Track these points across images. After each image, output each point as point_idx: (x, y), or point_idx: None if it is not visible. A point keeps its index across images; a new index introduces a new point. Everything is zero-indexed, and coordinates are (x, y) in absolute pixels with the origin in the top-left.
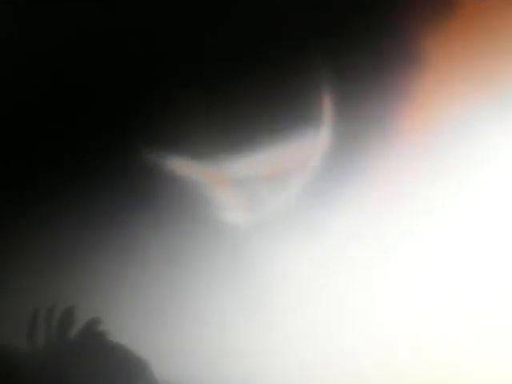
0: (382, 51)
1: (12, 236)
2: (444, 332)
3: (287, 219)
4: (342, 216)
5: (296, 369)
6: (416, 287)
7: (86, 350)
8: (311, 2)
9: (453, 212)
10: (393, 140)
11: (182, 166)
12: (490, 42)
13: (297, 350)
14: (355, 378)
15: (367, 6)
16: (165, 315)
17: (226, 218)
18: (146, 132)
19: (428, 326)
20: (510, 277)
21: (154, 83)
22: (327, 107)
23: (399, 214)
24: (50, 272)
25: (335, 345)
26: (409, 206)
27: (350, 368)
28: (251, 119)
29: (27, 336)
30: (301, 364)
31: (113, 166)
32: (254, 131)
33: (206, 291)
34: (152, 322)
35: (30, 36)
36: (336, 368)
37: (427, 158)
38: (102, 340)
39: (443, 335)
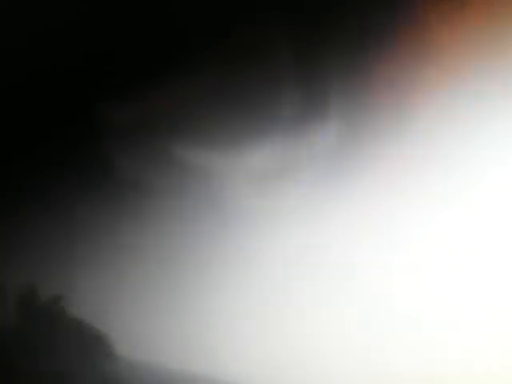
0: (390, 41)
1: None
2: (447, 325)
3: (297, 208)
4: (349, 204)
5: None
6: (423, 275)
7: (48, 327)
8: None
9: (460, 201)
10: (400, 129)
11: (195, 156)
12: (497, 31)
13: (299, 336)
14: (361, 367)
15: None
16: (131, 291)
17: (236, 206)
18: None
19: (432, 316)
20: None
21: (167, 75)
22: (334, 99)
23: (406, 202)
24: (13, 250)
25: (343, 332)
26: (415, 195)
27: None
28: (262, 108)
29: None
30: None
31: (114, 157)
32: (264, 120)
33: (209, 277)
34: (113, 297)
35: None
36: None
37: (435, 148)
38: (63, 317)
39: (447, 328)
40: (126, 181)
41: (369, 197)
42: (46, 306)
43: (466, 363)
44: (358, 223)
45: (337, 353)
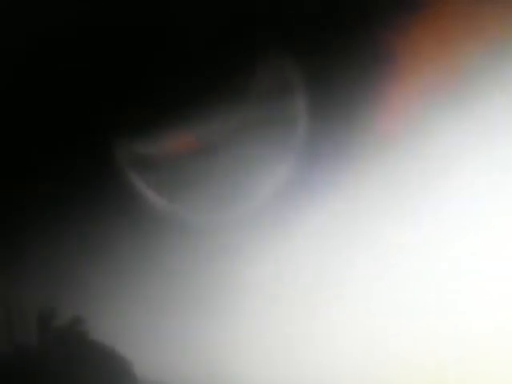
0: (354, 51)
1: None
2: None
3: (261, 220)
4: (312, 216)
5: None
6: (424, 278)
7: (68, 350)
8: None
9: (438, 211)
10: (365, 138)
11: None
12: (456, 42)
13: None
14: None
15: (342, 10)
16: (147, 314)
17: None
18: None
19: (414, 323)
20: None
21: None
22: (302, 106)
23: (369, 213)
24: (33, 275)
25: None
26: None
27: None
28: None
29: (4, 337)
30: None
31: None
32: (227, 128)
33: (188, 296)
34: (135, 321)
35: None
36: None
37: (399, 154)
38: (84, 339)
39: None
40: (148, 208)
41: (336, 206)
42: (65, 328)
43: (467, 365)
44: (322, 233)
45: (340, 357)
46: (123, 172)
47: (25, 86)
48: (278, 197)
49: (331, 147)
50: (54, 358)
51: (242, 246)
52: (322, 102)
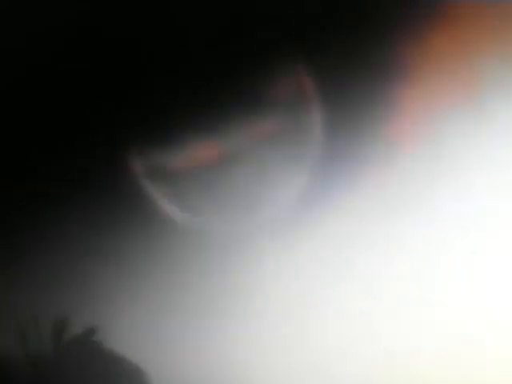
0: (370, 61)
1: (8, 246)
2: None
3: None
4: (333, 219)
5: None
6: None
7: (81, 359)
8: (302, 14)
9: (445, 214)
10: (380, 146)
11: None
12: (465, 42)
13: (287, 351)
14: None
15: (355, 17)
16: (147, 315)
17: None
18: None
19: (423, 327)
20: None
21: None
22: (317, 116)
23: (388, 216)
24: (47, 283)
25: (329, 347)
26: (396, 207)
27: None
28: (243, 126)
29: (19, 345)
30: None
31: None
32: (246, 137)
33: (200, 299)
34: (135, 321)
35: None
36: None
37: (413, 162)
38: (97, 349)
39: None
40: (149, 209)
41: (354, 210)
42: (79, 338)
43: (467, 365)
44: (341, 236)
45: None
46: (124, 173)
47: (25, 85)
48: (279, 199)
49: (342, 151)
50: (68, 366)
51: (242, 248)
52: (334, 106)
